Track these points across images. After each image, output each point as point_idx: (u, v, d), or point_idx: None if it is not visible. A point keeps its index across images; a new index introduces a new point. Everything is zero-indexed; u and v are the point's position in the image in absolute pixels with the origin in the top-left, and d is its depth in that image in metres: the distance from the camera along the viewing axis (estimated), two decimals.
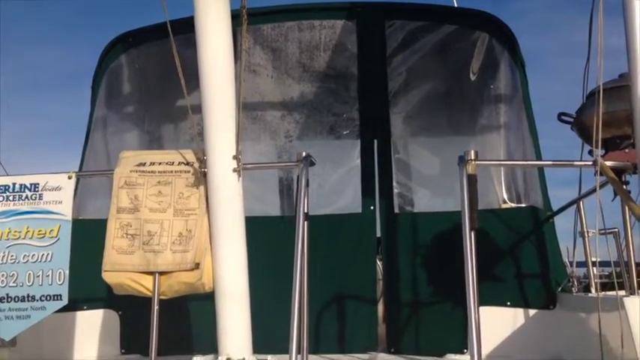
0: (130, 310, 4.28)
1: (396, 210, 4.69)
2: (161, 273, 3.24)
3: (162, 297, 3.29)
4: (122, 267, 3.24)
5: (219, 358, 3.14)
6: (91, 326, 4.45)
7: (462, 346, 4.13)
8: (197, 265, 3.21)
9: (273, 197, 5.14)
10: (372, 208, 4.65)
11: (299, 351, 2.98)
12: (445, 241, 4.32)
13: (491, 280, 4.21)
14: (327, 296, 4.48)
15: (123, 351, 4.39)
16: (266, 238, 4.19)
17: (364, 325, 4.47)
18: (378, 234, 4.74)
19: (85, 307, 4.46)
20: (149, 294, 3.26)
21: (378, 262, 4.93)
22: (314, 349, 4.10)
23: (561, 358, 3.90)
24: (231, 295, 3.24)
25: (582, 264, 4.39)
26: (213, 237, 3.26)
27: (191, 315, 4.37)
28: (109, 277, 3.26)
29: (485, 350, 3.99)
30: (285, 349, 2.88)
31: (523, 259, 4.38)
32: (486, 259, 4.12)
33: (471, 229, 2.92)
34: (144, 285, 3.26)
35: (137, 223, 3.27)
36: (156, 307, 3.22)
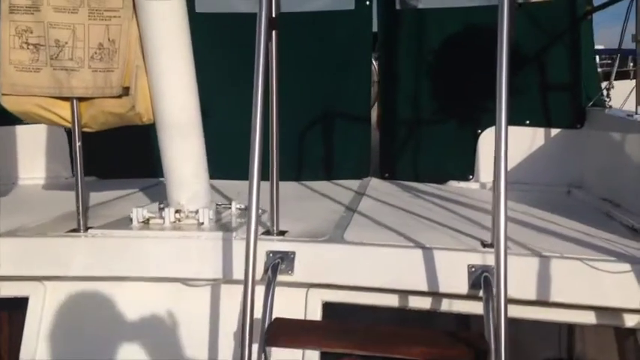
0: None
1: (398, 6, 3.97)
2: (80, 99, 2.42)
3: (86, 129, 2.53)
4: (26, 89, 2.42)
5: (166, 210, 2.48)
6: (36, 144, 3.89)
7: (466, 173, 3.61)
8: (126, 91, 2.39)
9: None
10: (367, 3, 3.93)
11: (267, 177, 2.36)
12: (456, 46, 3.77)
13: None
14: (311, 114, 3.93)
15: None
16: (236, 42, 3.53)
17: (354, 148, 4.02)
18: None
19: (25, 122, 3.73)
20: (68, 125, 2.50)
21: (373, 63, 4.10)
22: (295, 176, 3.76)
23: (580, 185, 3.51)
24: (177, 128, 2.49)
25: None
26: (147, 50, 2.40)
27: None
28: (9, 102, 2.45)
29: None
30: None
31: (550, 66, 3.80)
32: None
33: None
34: (58, 114, 2.48)
35: (39, 29, 2.38)
36: (78, 144, 2.46)
